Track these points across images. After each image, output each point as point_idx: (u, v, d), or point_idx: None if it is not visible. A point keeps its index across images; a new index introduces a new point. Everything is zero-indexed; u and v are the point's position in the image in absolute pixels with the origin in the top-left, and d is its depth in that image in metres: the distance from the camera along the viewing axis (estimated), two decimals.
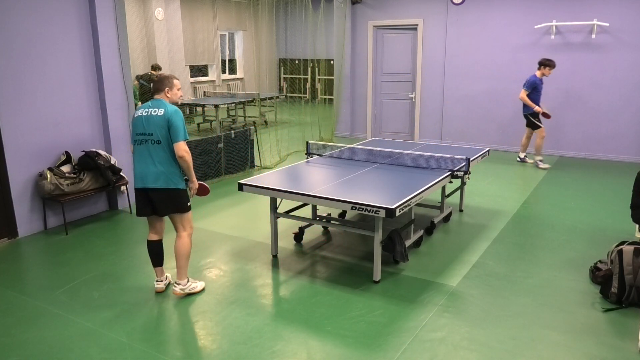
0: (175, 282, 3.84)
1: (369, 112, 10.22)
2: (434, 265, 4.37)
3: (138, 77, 10.52)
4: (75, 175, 5.30)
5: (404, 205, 3.71)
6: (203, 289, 3.95)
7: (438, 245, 4.83)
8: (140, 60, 12.48)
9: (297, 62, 16.76)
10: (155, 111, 3.57)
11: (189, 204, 3.74)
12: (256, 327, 3.42)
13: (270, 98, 13.06)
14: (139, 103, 11.28)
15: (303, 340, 3.28)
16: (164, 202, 3.66)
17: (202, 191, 3.96)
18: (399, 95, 9.91)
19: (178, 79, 3.80)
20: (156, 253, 3.89)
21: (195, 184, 3.80)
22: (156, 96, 3.68)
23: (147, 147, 3.58)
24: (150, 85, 10.25)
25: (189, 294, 3.86)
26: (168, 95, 3.68)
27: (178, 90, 3.74)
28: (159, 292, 3.94)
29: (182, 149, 3.56)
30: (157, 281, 3.96)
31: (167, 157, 3.58)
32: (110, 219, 5.67)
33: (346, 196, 3.85)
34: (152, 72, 10.32)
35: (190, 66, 14.28)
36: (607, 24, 7.88)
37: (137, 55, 12.28)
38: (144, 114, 3.60)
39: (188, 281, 3.86)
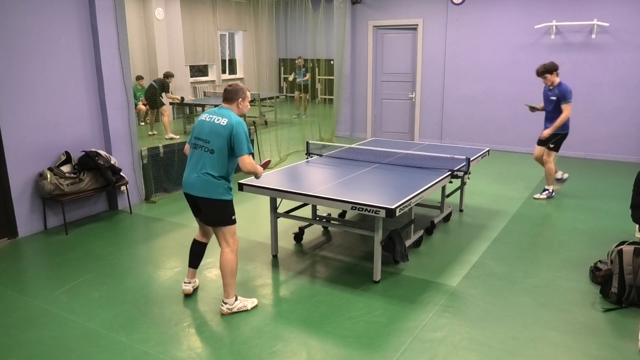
0: (223, 301, 3.60)
1: (369, 112, 10.21)
2: (434, 265, 4.37)
3: (153, 81, 10.74)
4: (75, 175, 5.29)
5: (404, 205, 3.71)
6: (255, 306, 3.69)
7: (438, 245, 4.83)
8: (140, 60, 12.48)
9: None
10: (219, 119, 3.40)
11: (233, 217, 3.54)
12: (256, 327, 3.42)
13: (270, 98, 13.06)
14: (139, 103, 11.33)
15: (303, 340, 3.28)
16: (208, 211, 3.51)
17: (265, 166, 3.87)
18: (399, 95, 9.90)
19: (249, 91, 3.61)
20: (196, 253, 3.85)
21: (261, 172, 3.66)
22: (225, 105, 3.50)
23: (200, 153, 3.44)
24: (157, 87, 10.42)
25: (238, 312, 3.62)
26: (240, 106, 3.51)
27: (249, 102, 3.59)
28: (186, 295, 3.88)
29: (248, 163, 3.40)
30: (185, 282, 3.92)
31: (216, 168, 3.40)
32: (110, 219, 5.67)
33: (346, 196, 3.85)
34: (166, 79, 10.64)
35: (190, 66, 14.27)
36: (607, 24, 7.88)
37: (137, 55, 12.27)
38: (207, 119, 3.47)
39: (236, 299, 3.62)
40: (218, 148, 3.39)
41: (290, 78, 13.51)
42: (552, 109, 5.92)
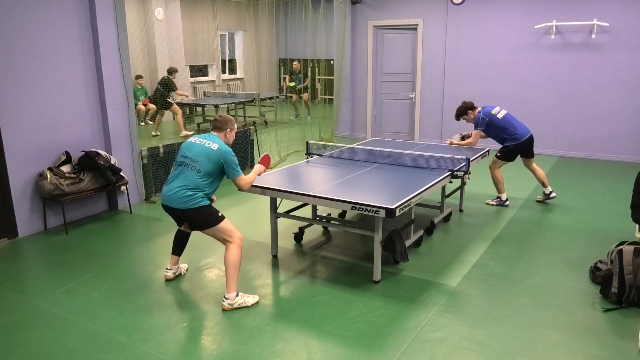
0: (224, 296, 3.67)
1: (369, 112, 10.22)
2: (434, 265, 4.37)
3: (158, 83, 10.52)
4: (75, 175, 5.30)
5: (404, 205, 3.71)
6: (256, 303, 3.73)
7: (438, 245, 4.83)
8: (140, 60, 12.48)
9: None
10: (209, 144, 3.68)
11: (219, 214, 3.68)
12: (256, 327, 3.42)
13: (270, 98, 13.06)
14: (139, 104, 11.33)
15: (303, 340, 3.28)
16: (194, 220, 3.69)
17: (266, 162, 4.17)
18: (399, 95, 9.90)
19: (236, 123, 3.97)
20: (179, 241, 4.10)
21: (262, 169, 4.05)
22: (214, 132, 3.80)
23: (185, 170, 3.64)
24: (162, 89, 10.17)
25: (239, 308, 3.66)
26: (227, 135, 3.82)
27: (235, 133, 3.91)
28: (167, 280, 4.08)
29: (242, 183, 3.78)
30: (167, 269, 4.13)
31: (198, 183, 3.61)
32: (110, 219, 5.67)
33: (346, 196, 3.85)
34: (169, 76, 10.35)
35: (190, 66, 14.27)
36: (607, 24, 7.88)
37: (137, 55, 12.28)
38: (197, 141, 3.72)
39: (237, 295, 3.67)
40: (205, 169, 3.63)
41: (289, 83, 13.35)
42: (490, 136, 6.00)
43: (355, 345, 3.21)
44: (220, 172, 3.71)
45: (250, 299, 3.72)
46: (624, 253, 3.69)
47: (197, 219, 3.65)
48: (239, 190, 3.87)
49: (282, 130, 10.87)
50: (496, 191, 6.04)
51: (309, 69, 13.45)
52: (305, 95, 13.11)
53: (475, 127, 5.90)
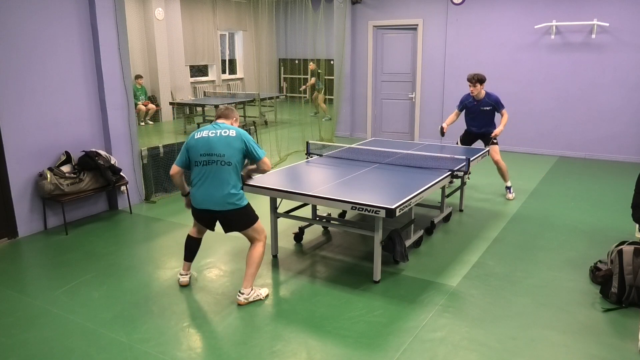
0: (240, 292, 3.72)
1: (369, 112, 10.21)
2: (434, 265, 4.37)
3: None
4: (75, 175, 5.30)
5: (404, 205, 3.71)
6: (267, 295, 3.83)
7: (438, 245, 4.83)
8: (140, 60, 12.48)
9: (297, 62, 16.76)
10: (225, 132, 3.54)
11: (255, 213, 3.72)
12: (256, 327, 3.42)
13: (270, 98, 13.05)
14: (139, 103, 11.33)
15: (303, 340, 3.28)
16: (235, 222, 3.64)
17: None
18: (399, 95, 9.90)
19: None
20: (191, 249, 4.04)
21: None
22: (222, 120, 3.71)
23: (215, 168, 3.50)
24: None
25: (254, 301, 3.74)
26: (234, 124, 3.78)
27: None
28: (183, 285, 4.04)
29: (268, 164, 3.73)
30: (181, 274, 4.07)
31: (235, 180, 3.54)
32: (110, 219, 5.67)
33: (346, 196, 3.85)
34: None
35: (190, 66, 14.27)
36: (607, 24, 7.88)
37: (137, 55, 12.28)
38: (210, 134, 3.54)
39: (252, 290, 3.74)
40: (234, 160, 3.55)
41: (311, 82, 13.06)
42: (487, 118, 6.22)
43: (355, 345, 3.21)
44: (243, 158, 3.61)
45: (263, 292, 3.81)
46: (624, 253, 3.69)
47: (239, 219, 3.61)
48: (263, 172, 3.81)
49: (282, 130, 10.87)
50: (503, 181, 6.26)
51: (309, 69, 13.40)
52: (320, 97, 12.68)
53: (503, 106, 6.15)
